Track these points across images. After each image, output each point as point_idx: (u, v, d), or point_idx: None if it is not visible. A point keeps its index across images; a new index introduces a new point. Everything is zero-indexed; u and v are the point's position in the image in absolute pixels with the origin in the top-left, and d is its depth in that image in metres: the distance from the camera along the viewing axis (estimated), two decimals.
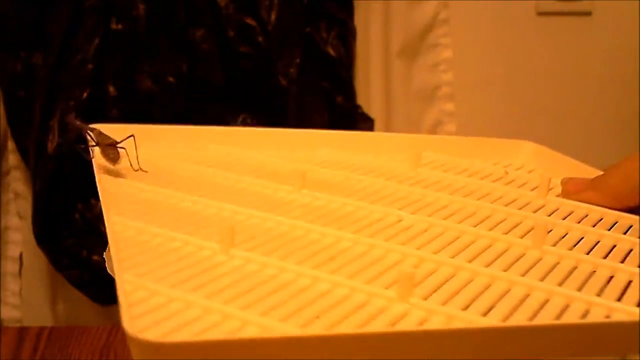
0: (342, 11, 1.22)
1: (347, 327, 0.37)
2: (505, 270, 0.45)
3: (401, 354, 0.35)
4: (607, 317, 0.41)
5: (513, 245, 0.49)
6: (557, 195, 0.59)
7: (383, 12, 1.26)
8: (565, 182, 0.60)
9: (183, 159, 0.62)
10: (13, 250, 1.24)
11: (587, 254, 0.49)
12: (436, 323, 0.39)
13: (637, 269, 0.47)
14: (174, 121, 1.14)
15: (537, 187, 0.59)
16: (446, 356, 0.36)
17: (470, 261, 0.46)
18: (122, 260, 0.42)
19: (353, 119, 1.24)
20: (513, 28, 1.33)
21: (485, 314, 0.40)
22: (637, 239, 0.51)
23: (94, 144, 0.57)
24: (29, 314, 1.25)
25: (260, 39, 1.17)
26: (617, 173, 0.56)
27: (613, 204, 0.56)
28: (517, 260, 0.47)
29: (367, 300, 0.40)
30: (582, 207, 0.57)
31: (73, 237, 1.16)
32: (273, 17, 1.17)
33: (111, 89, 1.15)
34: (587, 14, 1.33)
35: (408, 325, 0.38)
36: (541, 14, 1.33)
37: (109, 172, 0.57)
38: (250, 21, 1.17)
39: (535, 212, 0.56)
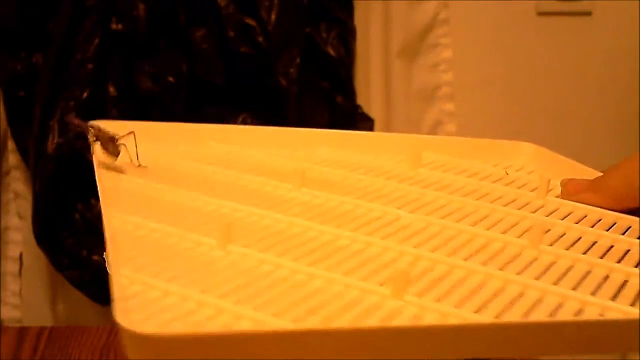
0: (342, 11, 1.23)
1: (340, 323, 0.37)
2: (500, 269, 0.45)
3: (393, 350, 0.35)
4: (601, 315, 0.41)
5: (510, 245, 0.49)
6: (557, 196, 0.59)
7: (383, 12, 1.26)
8: (564, 183, 0.59)
9: (183, 157, 0.62)
10: (13, 250, 1.25)
11: (584, 254, 0.49)
12: (429, 320, 0.39)
13: (634, 268, 0.46)
14: (173, 121, 1.15)
15: (536, 188, 0.59)
16: (439, 353, 0.36)
17: (466, 259, 0.46)
18: (118, 254, 0.42)
19: (353, 119, 1.24)
20: (513, 28, 1.34)
21: (478, 312, 0.40)
22: (635, 240, 0.51)
23: (94, 139, 0.57)
24: (29, 314, 1.25)
25: (260, 39, 1.17)
26: (617, 174, 0.56)
27: (612, 205, 0.56)
28: (513, 259, 0.47)
29: (361, 296, 0.40)
30: (581, 208, 0.57)
31: (73, 237, 1.16)
32: (273, 17, 1.17)
33: (111, 89, 1.15)
34: (587, 14, 1.34)
35: (401, 321, 0.38)
36: (541, 14, 1.33)
37: (109, 168, 0.57)
38: (250, 21, 1.17)
39: (533, 212, 0.56)
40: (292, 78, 1.18)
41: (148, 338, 0.31)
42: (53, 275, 1.22)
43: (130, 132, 0.58)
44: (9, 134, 1.20)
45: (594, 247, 0.50)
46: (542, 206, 0.58)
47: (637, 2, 1.32)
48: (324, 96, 1.23)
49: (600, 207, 0.56)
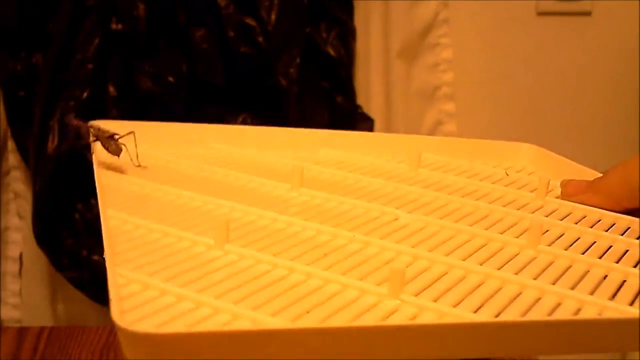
0: (342, 11, 1.23)
1: (338, 322, 0.37)
2: (498, 269, 0.45)
3: (391, 349, 0.35)
4: (599, 315, 0.41)
5: (508, 245, 0.49)
6: (556, 197, 0.59)
7: (383, 12, 1.26)
8: (564, 184, 0.59)
9: (183, 157, 0.62)
10: (13, 250, 1.25)
11: (583, 254, 0.48)
12: (427, 319, 0.39)
13: (633, 268, 0.46)
14: (173, 121, 1.15)
15: (536, 189, 0.59)
16: (437, 352, 0.36)
17: (464, 259, 0.46)
18: (115, 254, 0.42)
19: (353, 119, 1.24)
20: (513, 28, 1.34)
21: (476, 311, 0.40)
22: (635, 240, 0.51)
23: (94, 139, 0.57)
24: (29, 314, 1.25)
25: (260, 39, 1.17)
26: (616, 175, 0.56)
27: (612, 206, 0.56)
28: (511, 259, 0.47)
29: (358, 296, 0.40)
30: (581, 209, 0.57)
31: (73, 237, 1.16)
32: (273, 17, 1.17)
33: (111, 89, 1.15)
34: (587, 14, 1.33)
35: (398, 320, 0.38)
36: (541, 14, 1.33)
37: (108, 168, 0.57)
38: (250, 21, 1.17)
39: (533, 213, 0.56)
40: (292, 78, 1.18)
41: (145, 337, 0.31)
42: (53, 275, 1.22)
43: (130, 132, 0.58)
44: (9, 134, 1.20)
45: (592, 247, 0.50)
46: (542, 207, 0.58)
47: (637, 2, 1.32)
48: (324, 96, 1.23)
49: (600, 208, 0.56)
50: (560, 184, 0.60)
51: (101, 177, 0.53)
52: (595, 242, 0.51)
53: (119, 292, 0.37)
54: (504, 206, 0.56)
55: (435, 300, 0.40)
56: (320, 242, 0.47)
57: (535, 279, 0.44)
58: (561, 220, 0.54)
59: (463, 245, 0.49)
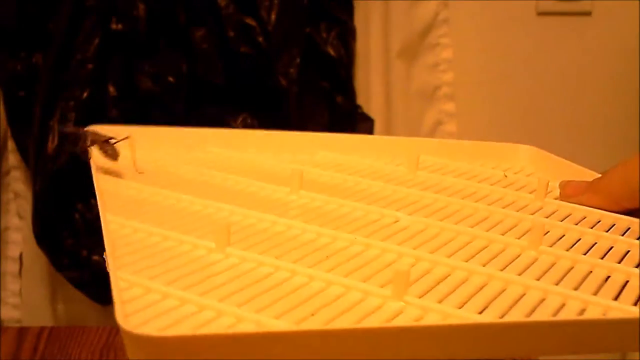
0: (342, 11, 1.23)
1: (342, 324, 0.38)
2: (501, 270, 0.45)
3: (396, 351, 0.35)
4: (604, 315, 0.41)
5: (509, 246, 0.49)
6: (556, 198, 0.59)
7: (383, 12, 1.26)
8: (563, 185, 0.59)
9: (182, 161, 0.62)
10: (13, 250, 1.25)
11: (584, 254, 0.49)
12: (431, 320, 0.39)
13: (634, 269, 0.46)
14: (173, 121, 1.15)
15: (535, 190, 0.59)
16: (442, 353, 0.36)
17: (466, 261, 0.46)
18: (117, 258, 0.42)
19: (353, 119, 1.24)
20: (513, 28, 1.34)
21: (480, 312, 0.40)
22: (635, 241, 0.51)
23: (90, 144, 0.57)
24: (29, 314, 1.25)
25: (260, 39, 1.17)
26: (616, 175, 0.56)
27: (611, 207, 0.56)
28: (514, 260, 0.47)
29: (362, 298, 0.40)
30: (580, 210, 0.57)
31: (73, 237, 1.16)
32: (273, 17, 1.17)
33: (111, 89, 1.15)
34: (587, 14, 1.34)
35: (403, 322, 0.38)
36: (541, 14, 1.33)
37: (107, 172, 0.57)
38: (250, 21, 1.17)
39: (532, 214, 0.56)
40: (292, 78, 1.18)
41: (150, 340, 0.31)
42: (53, 275, 1.22)
43: (125, 137, 0.58)
44: (9, 134, 1.20)
45: (593, 248, 0.50)
46: (541, 208, 0.58)
47: (637, 2, 1.32)
48: (324, 96, 1.23)
49: (600, 209, 0.56)
50: (559, 185, 0.60)
51: (100, 182, 0.53)
52: (596, 243, 0.51)
53: (122, 295, 0.37)
54: (504, 208, 0.56)
55: (439, 302, 0.40)
56: (320, 245, 0.47)
57: (538, 279, 0.44)
58: (561, 221, 0.54)
59: (464, 247, 0.49)
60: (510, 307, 0.41)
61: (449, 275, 0.44)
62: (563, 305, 0.42)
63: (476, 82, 1.34)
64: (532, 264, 0.47)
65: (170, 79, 1.16)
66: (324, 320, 0.38)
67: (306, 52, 1.20)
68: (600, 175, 0.58)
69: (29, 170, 1.19)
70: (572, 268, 0.47)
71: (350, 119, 1.24)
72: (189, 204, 0.53)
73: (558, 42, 1.34)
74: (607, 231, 0.53)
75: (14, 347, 0.86)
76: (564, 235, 0.52)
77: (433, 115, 1.32)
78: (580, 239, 0.51)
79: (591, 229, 0.53)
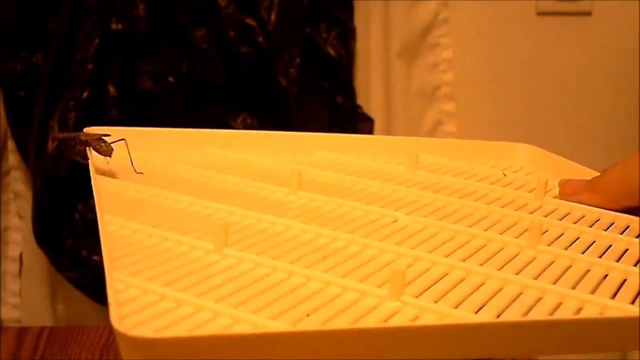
0: (342, 11, 1.23)
1: (338, 324, 0.38)
2: (499, 269, 0.45)
3: (392, 351, 0.35)
4: (601, 314, 0.41)
5: (508, 245, 0.49)
6: (555, 197, 0.59)
7: (383, 12, 1.26)
8: (562, 184, 0.59)
9: (180, 162, 0.62)
10: (13, 250, 1.25)
11: (583, 253, 0.49)
12: (427, 320, 0.39)
13: (633, 267, 0.46)
14: (173, 121, 1.15)
15: (534, 189, 0.59)
16: (439, 353, 0.36)
17: (464, 260, 0.46)
18: (115, 259, 0.42)
19: (353, 119, 1.24)
20: (513, 28, 1.34)
21: (477, 312, 0.40)
22: (634, 239, 0.51)
23: (82, 147, 0.58)
24: (29, 314, 1.25)
25: (260, 39, 1.17)
26: (614, 173, 0.56)
27: (610, 205, 0.56)
28: (512, 259, 0.47)
29: (358, 298, 0.40)
30: (579, 208, 0.57)
31: (73, 237, 1.16)
32: (273, 17, 1.17)
33: (111, 89, 1.15)
34: (587, 14, 1.34)
35: (399, 322, 0.38)
36: (541, 14, 1.33)
37: (105, 174, 0.57)
38: (250, 21, 1.17)
39: (531, 213, 0.56)
40: (292, 78, 1.18)
41: (144, 342, 0.31)
42: (53, 275, 1.22)
43: (121, 139, 0.58)
44: (9, 134, 1.20)
45: (592, 246, 0.50)
46: (540, 207, 0.58)
47: (637, 2, 1.32)
48: (324, 96, 1.23)
49: (599, 207, 0.56)
50: (559, 183, 0.60)
51: (98, 183, 0.53)
52: (594, 241, 0.51)
53: (117, 297, 0.37)
54: (503, 207, 0.57)
55: (436, 302, 0.40)
56: (319, 245, 0.47)
57: (535, 278, 0.44)
58: (560, 220, 0.54)
59: (463, 246, 0.49)
60: (507, 307, 0.41)
61: (446, 274, 0.44)
62: (560, 304, 0.42)
63: (476, 82, 1.34)
64: (530, 262, 0.47)
65: (170, 79, 1.16)
66: (319, 321, 0.38)
67: (306, 52, 1.20)
68: (599, 174, 0.58)
69: (29, 170, 1.19)
70: (570, 267, 0.47)
71: (350, 119, 1.24)
72: (187, 205, 0.53)
73: (558, 42, 1.34)
74: (606, 230, 0.53)
75: (14, 347, 0.86)
76: (562, 234, 0.52)
77: (433, 115, 1.32)
78: (579, 238, 0.51)
79: (590, 228, 0.53)
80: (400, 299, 0.40)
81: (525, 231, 0.51)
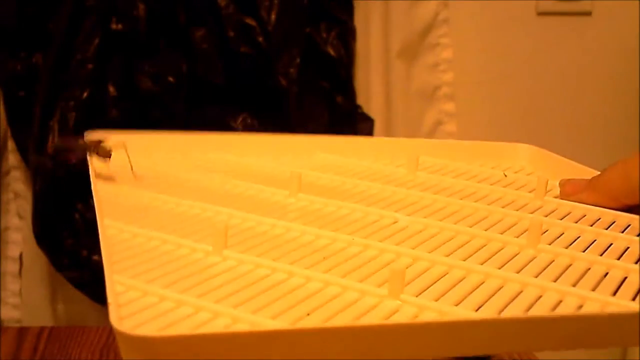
0: (342, 11, 1.23)
1: (337, 323, 0.38)
2: (499, 268, 0.45)
3: (393, 348, 0.35)
4: (601, 310, 0.41)
5: (508, 245, 0.49)
6: (555, 197, 0.59)
7: (383, 12, 1.26)
8: (563, 184, 0.59)
9: (180, 166, 0.62)
10: (13, 250, 1.25)
11: (583, 252, 0.49)
12: (427, 318, 0.39)
13: (634, 264, 0.46)
14: (173, 121, 1.15)
15: (535, 189, 0.59)
16: (439, 350, 0.36)
17: (464, 260, 0.46)
18: (115, 262, 0.42)
19: (353, 119, 1.24)
20: (513, 28, 1.34)
21: (477, 310, 0.40)
22: (635, 237, 0.51)
23: (82, 153, 0.58)
24: (29, 314, 1.25)
25: (260, 39, 1.17)
26: (615, 172, 0.56)
27: (611, 204, 0.56)
28: (512, 258, 0.47)
29: (358, 297, 0.40)
30: (580, 208, 0.57)
31: (73, 237, 1.16)
32: (273, 17, 1.17)
33: (111, 89, 1.15)
34: (587, 14, 1.34)
35: (399, 320, 0.38)
36: (541, 14, 1.33)
37: (105, 178, 0.57)
38: (250, 21, 1.17)
39: (532, 213, 0.56)
40: (292, 78, 1.18)
41: (144, 340, 0.31)
42: (53, 275, 1.22)
43: (120, 144, 0.58)
44: (9, 134, 1.20)
45: (593, 245, 0.50)
46: (541, 207, 0.58)
47: (637, 2, 1.32)
48: (324, 96, 1.23)
49: (599, 206, 0.56)
50: (559, 183, 0.60)
51: (98, 187, 0.53)
52: (595, 240, 0.51)
53: (117, 299, 0.37)
54: (503, 207, 0.57)
55: (436, 300, 0.41)
56: (319, 246, 0.47)
57: (536, 277, 0.44)
58: (561, 219, 0.55)
59: (463, 246, 0.49)
60: (507, 304, 0.41)
61: (446, 274, 0.44)
62: (560, 301, 0.42)
63: (476, 82, 1.34)
64: (530, 261, 0.47)
65: (170, 79, 1.16)
66: (320, 320, 0.38)
67: (306, 52, 1.20)
68: (599, 173, 0.58)
69: (29, 170, 1.19)
70: (570, 265, 0.47)
71: (350, 119, 1.24)
72: (187, 208, 0.53)
73: (558, 42, 1.34)
74: (606, 228, 0.53)
75: (14, 347, 0.86)
76: (563, 233, 0.52)
77: (433, 115, 1.32)
78: (579, 237, 0.51)
79: (591, 227, 0.53)
80: (400, 298, 0.40)
81: (525, 231, 0.51)
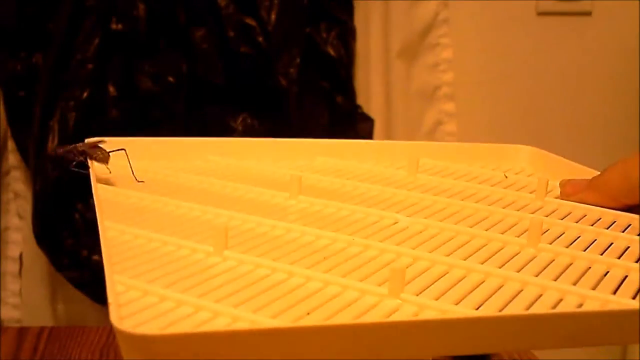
0: (342, 11, 1.23)
1: (337, 322, 0.38)
2: (499, 267, 0.45)
3: (392, 347, 0.35)
4: (601, 308, 0.41)
5: (508, 244, 0.49)
6: (556, 197, 0.59)
7: (383, 12, 1.26)
8: (563, 184, 0.60)
9: (181, 169, 0.62)
10: (13, 250, 1.25)
11: (584, 251, 0.49)
12: (427, 317, 0.39)
13: (634, 263, 0.47)
14: (173, 121, 1.15)
15: (535, 190, 0.59)
16: (440, 349, 0.36)
17: (464, 259, 0.46)
18: (116, 263, 0.42)
19: (353, 119, 1.24)
20: (513, 28, 1.34)
21: (477, 308, 0.40)
22: (635, 236, 0.51)
23: (82, 158, 0.58)
24: (29, 314, 1.25)
25: (260, 39, 1.17)
26: (615, 172, 0.56)
27: (611, 203, 0.56)
28: (512, 257, 0.47)
29: (358, 297, 0.41)
30: (580, 208, 0.57)
31: (73, 237, 1.16)
32: (273, 17, 1.17)
33: (111, 89, 1.15)
34: (587, 14, 1.34)
35: (399, 318, 0.38)
36: (541, 14, 1.33)
37: (106, 183, 0.57)
38: (250, 21, 1.17)
39: (532, 213, 0.56)
40: (292, 78, 1.18)
41: (145, 339, 0.31)
42: (53, 275, 1.22)
43: (120, 149, 0.59)
44: (9, 134, 1.20)
45: (593, 244, 0.50)
46: (541, 207, 0.58)
47: (637, 2, 1.32)
48: (324, 96, 1.23)
49: (599, 206, 0.56)
50: (560, 184, 0.60)
51: (99, 191, 0.53)
52: (595, 239, 0.51)
53: (118, 299, 0.37)
54: (504, 208, 0.57)
55: (436, 299, 0.41)
56: (319, 247, 0.47)
57: (536, 276, 0.44)
58: (561, 219, 0.55)
59: (463, 246, 0.49)
60: (507, 303, 0.41)
61: (446, 273, 0.45)
62: (561, 300, 0.42)
63: (476, 82, 1.34)
64: (531, 261, 0.47)
65: (170, 79, 1.16)
66: (319, 319, 0.38)
67: (306, 52, 1.20)
68: (599, 173, 0.58)
69: (29, 170, 1.19)
70: (570, 264, 0.47)
71: (350, 119, 1.24)
72: (188, 211, 0.53)
73: (558, 42, 1.34)
74: (607, 228, 0.53)
75: (14, 347, 0.86)
76: (563, 233, 0.52)
77: (433, 115, 1.32)
78: (580, 237, 0.52)
79: (591, 226, 0.53)
80: (400, 297, 0.40)
81: (526, 231, 0.51)
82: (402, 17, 1.27)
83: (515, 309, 0.40)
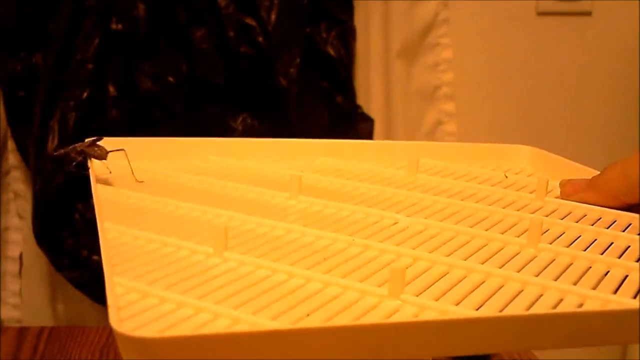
0: (342, 11, 1.23)
1: (337, 323, 0.38)
2: (500, 267, 0.45)
3: (392, 348, 0.35)
4: (602, 308, 0.41)
5: (508, 244, 0.49)
6: (556, 197, 0.59)
7: (383, 12, 1.26)
8: (563, 184, 0.60)
9: (181, 170, 0.62)
10: (13, 250, 1.25)
11: (584, 251, 0.49)
12: (428, 317, 0.39)
13: (634, 263, 0.47)
14: (173, 121, 1.15)
15: (535, 190, 0.59)
16: (441, 349, 0.36)
17: (464, 259, 0.46)
18: (116, 265, 0.42)
19: (353, 119, 1.24)
20: (513, 28, 1.34)
21: (478, 309, 0.40)
22: (635, 236, 0.51)
23: (80, 158, 0.58)
24: (29, 314, 1.25)
25: (260, 39, 1.17)
26: (615, 171, 0.56)
27: (611, 203, 0.56)
28: (512, 257, 0.47)
29: (358, 297, 0.41)
30: (581, 208, 0.57)
31: (73, 237, 1.16)
32: (273, 17, 1.17)
33: (111, 89, 1.15)
34: (587, 14, 1.34)
35: (399, 319, 0.38)
36: (541, 14, 1.33)
37: (105, 183, 0.57)
38: (250, 21, 1.17)
39: (532, 213, 0.56)
40: (292, 78, 1.18)
41: (145, 341, 0.31)
42: (53, 275, 1.22)
43: (120, 149, 0.58)
44: (9, 134, 1.20)
45: (594, 244, 0.50)
46: (541, 207, 0.58)
47: (637, 2, 1.32)
48: (324, 96, 1.23)
49: (599, 205, 0.56)
50: (560, 183, 0.60)
51: (99, 191, 0.53)
52: (596, 239, 0.51)
53: (117, 301, 0.37)
54: (504, 208, 0.57)
55: (436, 300, 0.41)
56: (319, 247, 0.47)
57: (536, 276, 0.44)
58: (561, 219, 0.55)
59: (463, 246, 0.49)
60: (508, 303, 0.41)
61: (447, 273, 0.45)
62: (561, 300, 0.42)
63: (476, 82, 1.34)
64: (531, 260, 0.47)
65: (170, 79, 1.16)
66: (320, 320, 0.38)
67: (306, 52, 1.20)
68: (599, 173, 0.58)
69: (29, 170, 1.19)
70: (571, 264, 0.47)
71: (350, 119, 1.24)
72: (188, 211, 0.53)
73: (558, 42, 1.34)
74: (607, 228, 0.53)
75: (14, 347, 0.86)
76: (564, 233, 0.52)
77: (433, 115, 1.32)
78: (580, 236, 0.52)
79: (591, 226, 0.53)
80: (400, 298, 0.40)
81: (526, 231, 0.51)
82: (402, 17, 1.27)
83: (516, 309, 0.40)
